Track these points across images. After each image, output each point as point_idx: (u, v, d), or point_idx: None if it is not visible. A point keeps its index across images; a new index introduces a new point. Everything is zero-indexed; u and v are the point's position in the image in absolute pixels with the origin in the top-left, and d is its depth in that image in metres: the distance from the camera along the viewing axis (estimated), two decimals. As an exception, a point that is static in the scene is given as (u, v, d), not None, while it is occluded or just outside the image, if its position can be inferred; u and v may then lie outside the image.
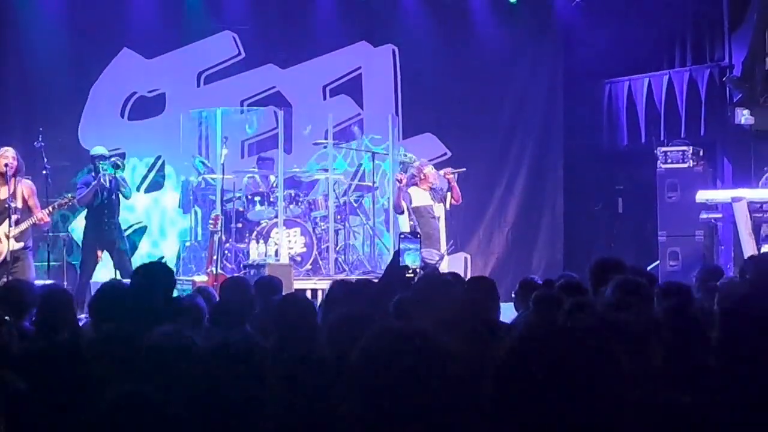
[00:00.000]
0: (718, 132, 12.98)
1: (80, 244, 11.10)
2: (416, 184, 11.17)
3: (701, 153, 12.54)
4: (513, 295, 6.64)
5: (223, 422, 2.91)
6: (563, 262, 13.78)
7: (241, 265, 11.23)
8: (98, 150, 10.90)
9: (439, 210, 11.19)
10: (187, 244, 12.37)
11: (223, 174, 11.59)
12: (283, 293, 6.55)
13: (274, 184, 11.92)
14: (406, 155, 12.34)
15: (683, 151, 12.40)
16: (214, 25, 13.20)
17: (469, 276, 12.64)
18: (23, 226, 9.44)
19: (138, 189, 12.63)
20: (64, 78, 12.47)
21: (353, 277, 10.08)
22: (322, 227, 11.96)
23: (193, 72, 13.15)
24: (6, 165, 9.42)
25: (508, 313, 6.17)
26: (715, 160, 13.00)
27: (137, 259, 11.20)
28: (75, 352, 3.33)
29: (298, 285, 10.63)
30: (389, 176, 12.62)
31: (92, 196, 10.55)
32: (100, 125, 12.55)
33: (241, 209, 11.82)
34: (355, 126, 13.46)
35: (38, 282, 8.64)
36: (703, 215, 11.78)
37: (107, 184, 10.55)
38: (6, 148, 9.62)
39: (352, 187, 12.75)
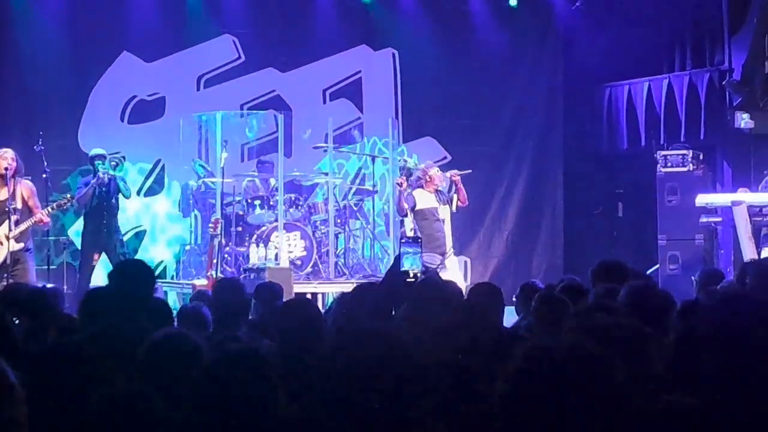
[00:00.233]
0: (718, 135, 12.99)
1: (79, 247, 11.11)
2: (422, 187, 11.08)
3: (701, 157, 12.54)
4: (514, 299, 6.67)
5: (223, 423, 2.90)
6: (563, 265, 13.78)
7: (241, 269, 11.22)
8: (96, 150, 10.92)
9: (445, 212, 11.05)
10: (187, 247, 12.37)
11: (223, 177, 11.59)
12: (284, 299, 6.56)
13: (274, 188, 11.92)
14: (406, 159, 12.31)
15: (683, 154, 12.41)
16: (214, 28, 13.18)
17: (469, 279, 12.70)
18: (23, 226, 9.44)
19: (138, 193, 12.61)
20: (64, 81, 12.46)
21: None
22: (322, 231, 11.95)
23: (193, 76, 13.14)
24: (6, 168, 9.42)
25: (509, 316, 6.21)
26: (714, 163, 13.00)
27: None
28: (67, 353, 3.32)
29: (297, 289, 10.63)
30: (389, 179, 12.62)
31: (91, 195, 10.55)
32: (100, 129, 12.55)
33: (241, 213, 11.81)
34: (355, 130, 13.45)
35: (39, 284, 8.63)
36: (703, 219, 11.78)
37: (106, 181, 10.57)
38: (5, 149, 9.62)
39: (352, 191, 12.75)
